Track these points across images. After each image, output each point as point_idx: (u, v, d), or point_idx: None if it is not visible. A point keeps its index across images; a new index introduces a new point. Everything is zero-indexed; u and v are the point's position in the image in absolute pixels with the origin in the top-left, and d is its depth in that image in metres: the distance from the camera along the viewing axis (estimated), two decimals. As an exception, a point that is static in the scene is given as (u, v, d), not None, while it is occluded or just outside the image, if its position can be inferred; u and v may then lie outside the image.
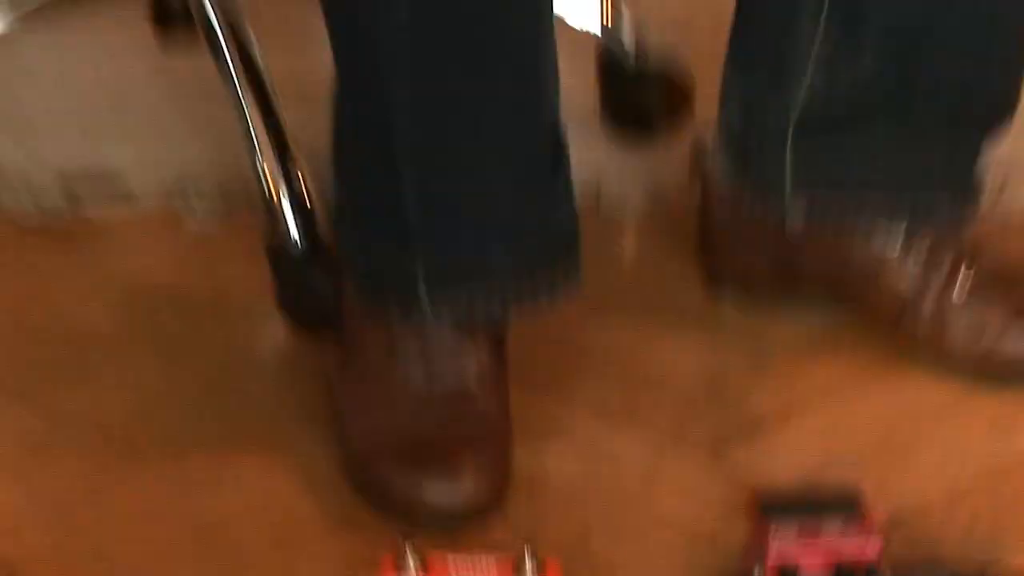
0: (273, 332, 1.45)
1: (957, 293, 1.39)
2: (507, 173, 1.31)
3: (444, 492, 1.27)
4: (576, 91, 1.46)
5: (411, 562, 1.16)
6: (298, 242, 1.43)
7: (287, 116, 1.48)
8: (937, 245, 1.40)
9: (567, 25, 1.64)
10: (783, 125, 1.40)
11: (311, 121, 1.38)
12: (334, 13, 1.28)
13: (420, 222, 1.30)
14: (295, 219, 1.43)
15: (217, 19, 1.54)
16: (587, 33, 1.71)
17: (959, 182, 1.42)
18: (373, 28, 1.25)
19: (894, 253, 1.40)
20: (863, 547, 1.16)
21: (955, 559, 1.22)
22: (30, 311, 1.48)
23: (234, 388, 1.39)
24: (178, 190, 1.64)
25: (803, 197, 1.42)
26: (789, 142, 1.41)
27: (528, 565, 1.15)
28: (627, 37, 1.71)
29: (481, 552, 1.19)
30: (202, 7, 1.55)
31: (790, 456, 1.32)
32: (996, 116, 1.41)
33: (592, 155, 1.62)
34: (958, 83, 1.39)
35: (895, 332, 1.41)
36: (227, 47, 1.52)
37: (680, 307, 1.49)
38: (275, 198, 1.45)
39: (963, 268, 1.40)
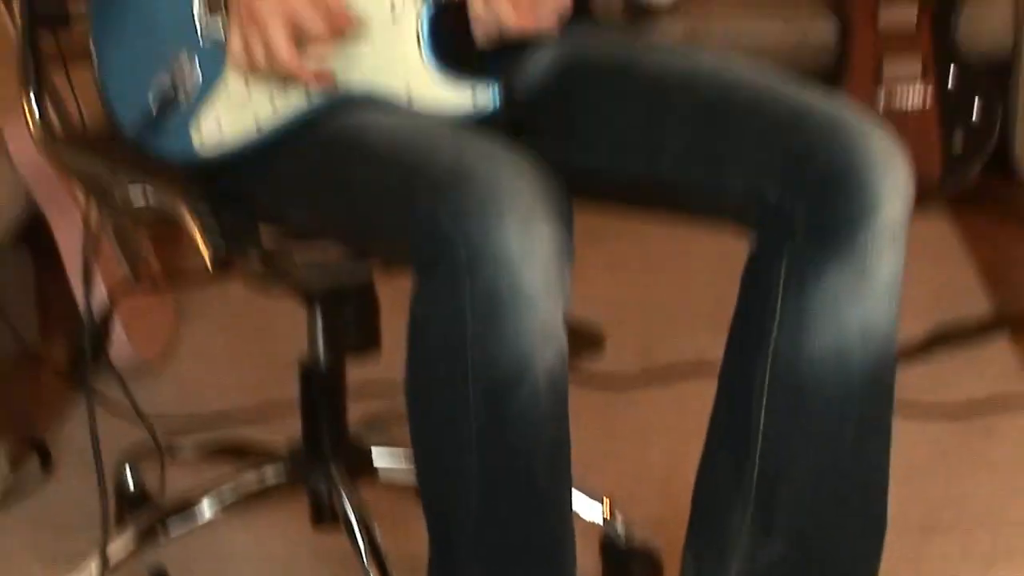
0: None
1: None
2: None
3: None
4: (586, 562, 1.75)
5: None
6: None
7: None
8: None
9: (580, 518, 1.88)
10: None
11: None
12: (426, 504, 1.52)
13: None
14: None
15: (354, 517, 1.88)
16: (593, 523, 1.95)
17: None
18: (451, 517, 1.50)
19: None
20: None
21: None
22: None
23: None
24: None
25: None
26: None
27: None
28: (620, 527, 1.97)
29: None
30: (344, 510, 1.90)
31: None
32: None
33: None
34: (838, 566, 1.64)
35: None
36: (360, 535, 1.87)
37: None
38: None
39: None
